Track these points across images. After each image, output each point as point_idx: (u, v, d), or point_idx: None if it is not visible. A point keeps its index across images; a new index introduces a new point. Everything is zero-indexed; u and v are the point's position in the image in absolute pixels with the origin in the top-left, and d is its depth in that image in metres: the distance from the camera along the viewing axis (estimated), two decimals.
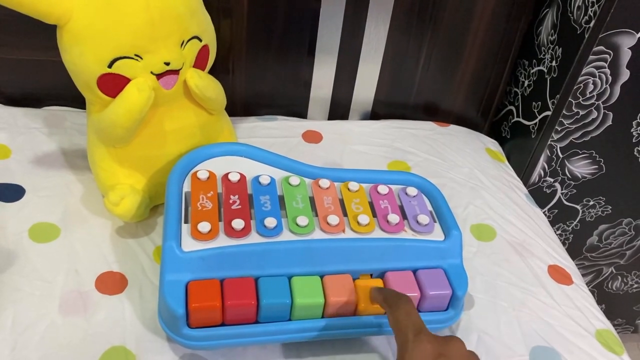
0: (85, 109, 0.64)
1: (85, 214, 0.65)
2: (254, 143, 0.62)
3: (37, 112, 0.78)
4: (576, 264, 0.73)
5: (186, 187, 0.56)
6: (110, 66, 0.53)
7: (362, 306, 0.51)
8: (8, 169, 0.68)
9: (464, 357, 0.41)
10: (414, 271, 0.55)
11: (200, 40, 0.58)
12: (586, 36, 0.75)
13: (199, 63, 0.59)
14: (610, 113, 0.81)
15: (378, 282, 0.53)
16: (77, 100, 0.80)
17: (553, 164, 0.87)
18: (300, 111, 0.89)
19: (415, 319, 0.44)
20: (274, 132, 0.84)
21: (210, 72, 0.63)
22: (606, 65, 0.76)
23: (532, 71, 0.88)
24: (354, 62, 0.85)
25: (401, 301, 0.46)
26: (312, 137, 0.84)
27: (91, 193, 0.67)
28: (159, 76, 0.56)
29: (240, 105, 0.86)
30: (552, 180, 0.90)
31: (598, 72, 0.76)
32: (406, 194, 0.60)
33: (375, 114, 0.92)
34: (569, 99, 0.79)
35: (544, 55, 0.85)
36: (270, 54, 0.82)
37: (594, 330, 0.62)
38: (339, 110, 0.90)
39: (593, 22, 0.73)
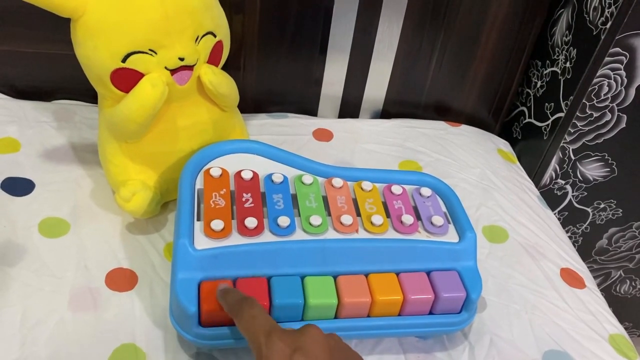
0: (95, 103, 0.63)
1: (95, 210, 0.64)
2: (264, 140, 0.61)
3: (46, 105, 0.78)
4: None
5: (199, 184, 0.55)
6: (124, 61, 0.53)
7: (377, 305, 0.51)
8: (17, 163, 0.68)
9: (322, 343, 0.40)
10: (428, 273, 0.54)
11: (215, 36, 0.58)
12: (602, 37, 0.74)
13: (213, 59, 0.59)
14: (625, 115, 0.80)
15: (391, 278, 0.53)
16: (87, 94, 0.80)
17: (565, 165, 0.87)
18: (310, 109, 0.89)
19: (263, 320, 0.42)
20: (284, 129, 0.83)
21: (221, 68, 0.63)
22: (622, 67, 0.75)
23: (545, 72, 0.87)
24: (365, 60, 0.84)
25: (244, 306, 0.44)
26: (323, 135, 0.83)
27: (101, 188, 0.67)
28: (173, 72, 0.55)
29: (250, 102, 0.85)
30: (563, 182, 0.89)
31: (613, 74, 0.76)
32: (420, 194, 0.60)
33: (386, 113, 0.91)
34: (583, 101, 0.78)
35: (557, 56, 0.84)
36: (282, 50, 0.81)
37: (607, 334, 0.62)
38: (349, 108, 0.90)
39: (610, 23, 0.73)
